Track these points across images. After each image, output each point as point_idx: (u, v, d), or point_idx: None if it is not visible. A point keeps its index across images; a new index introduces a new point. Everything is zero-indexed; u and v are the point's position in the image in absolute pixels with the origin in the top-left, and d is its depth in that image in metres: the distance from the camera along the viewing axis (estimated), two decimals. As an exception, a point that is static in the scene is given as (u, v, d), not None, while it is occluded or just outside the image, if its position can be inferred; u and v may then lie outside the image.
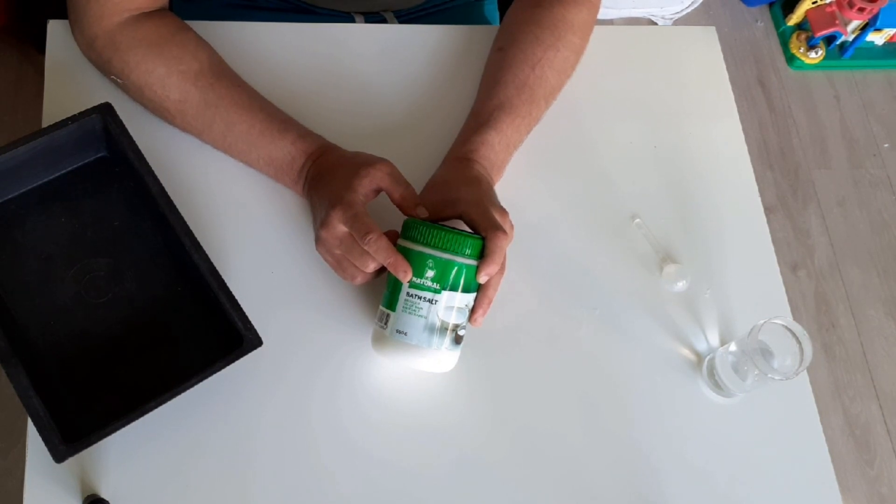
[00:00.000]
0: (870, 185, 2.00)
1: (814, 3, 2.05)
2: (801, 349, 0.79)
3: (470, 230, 0.79)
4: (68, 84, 0.90)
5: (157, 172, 0.81)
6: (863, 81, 2.13)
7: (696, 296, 0.90)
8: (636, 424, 0.84)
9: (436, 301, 0.76)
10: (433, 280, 0.76)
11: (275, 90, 0.90)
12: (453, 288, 0.76)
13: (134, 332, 0.79)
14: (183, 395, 0.73)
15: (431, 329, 0.76)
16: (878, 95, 2.12)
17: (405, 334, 0.76)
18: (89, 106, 0.82)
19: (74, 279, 0.80)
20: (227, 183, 0.88)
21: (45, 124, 0.85)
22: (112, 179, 0.85)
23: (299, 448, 0.78)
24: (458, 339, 0.78)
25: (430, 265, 0.76)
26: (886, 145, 2.05)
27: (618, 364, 0.86)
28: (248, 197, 0.88)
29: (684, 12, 2.12)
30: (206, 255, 0.78)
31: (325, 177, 0.82)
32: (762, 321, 0.79)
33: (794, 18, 2.10)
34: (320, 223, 0.78)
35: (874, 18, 2.01)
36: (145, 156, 0.82)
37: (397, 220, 0.79)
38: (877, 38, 2.10)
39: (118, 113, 0.83)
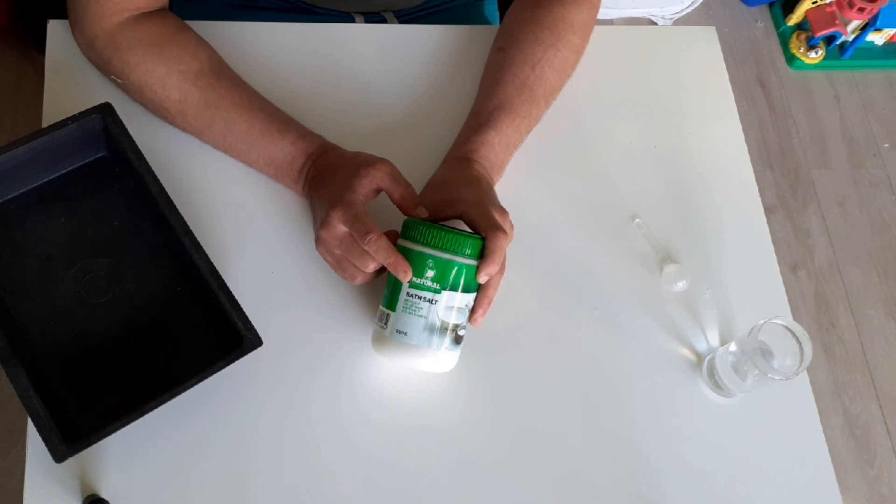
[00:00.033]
0: (870, 185, 2.00)
1: (814, 3, 2.05)
2: (801, 349, 0.79)
3: (470, 230, 0.79)
4: (68, 84, 0.90)
5: (157, 172, 0.81)
6: (863, 81, 2.13)
7: (696, 296, 0.90)
8: (636, 424, 0.84)
9: (436, 301, 0.76)
10: (433, 280, 0.76)
11: (275, 90, 0.90)
12: (453, 288, 0.76)
13: (134, 332, 0.79)
14: (183, 395, 0.73)
15: (431, 329, 0.76)
16: (878, 95, 2.12)
17: (405, 334, 0.76)
18: (89, 106, 0.82)
19: (74, 279, 0.80)
20: (227, 183, 0.88)
21: (45, 124, 0.85)
22: (112, 179, 0.85)
23: (299, 448, 0.78)
24: (458, 339, 0.78)
25: (430, 265, 0.76)
26: (886, 145, 2.05)
27: (618, 364, 0.86)
28: (248, 197, 0.88)
29: (684, 12, 2.12)
30: (206, 255, 0.78)
31: (325, 177, 0.82)
32: (762, 321, 0.79)
33: (794, 18, 2.10)
34: (320, 223, 0.78)
35: (874, 18, 2.01)
36: (145, 156, 0.82)
37: (397, 220, 0.79)
38: (877, 38, 2.10)
39: (118, 113, 0.83)
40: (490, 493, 0.79)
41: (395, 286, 0.77)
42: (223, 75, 0.87)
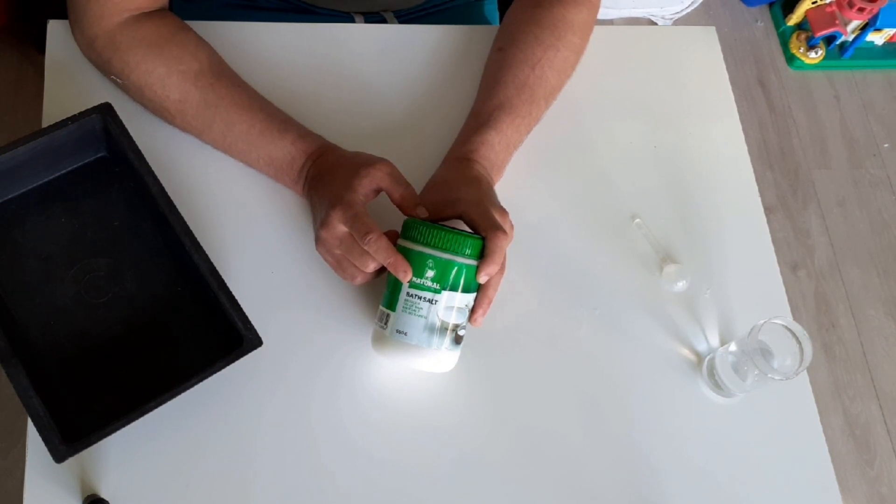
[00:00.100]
0: (870, 185, 2.00)
1: (814, 3, 2.05)
2: (801, 349, 0.79)
3: (470, 230, 0.79)
4: (68, 84, 0.90)
5: (157, 172, 0.81)
6: (863, 81, 2.13)
7: (696, 296, 0.90)
8: (636, 424, 0.84)
9: (436, 301, 0.76)
10: (433, 280, 0.76)
11: (275, 90, 0.90)
12: (453, 288, 0.76)
13: (134, 332, 0.79)
14: (183, 395, 0.73)
15: (431, 329, 0.76)
16: (878, 95, 2.12)
17: (405, 334, 0.76)
18: (89, 106, 0.82)
19: (74, 279, 0.80)
20: (227, 183, 0.88)
21: (45, 124, 0.85)
22: (112, 179, 0.85)
23: (299, 448, 0.78)
24: (458, 339, 0.78)
25: (430, 265, 0.76)
26: (886, 145, 2.05)
27: (618, 364, 0.86)
28: (248, 197, 0.88)
29: (684, 12, 2.12)
30: (206, 255, 0.78)
31: (325, 177, 0.82)
32: (762, 321, 0.79)
33: (794, 18, 2.10)
34: (320, 223, 0.78)
35: (874, 18, 2.01)
36: (145, 156, 0.82)
37: (397, 220, 0.79)
38: (877, 38, 2.10)
39: (118, 113, 0.83)
40: (490, 493, 0.79)
41: (395, 286, 0.77)
42: (223, 75, 0.87)
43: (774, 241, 0.93)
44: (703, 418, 0.85)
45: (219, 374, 0.75)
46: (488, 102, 0.90)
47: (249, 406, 0.79)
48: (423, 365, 0.78)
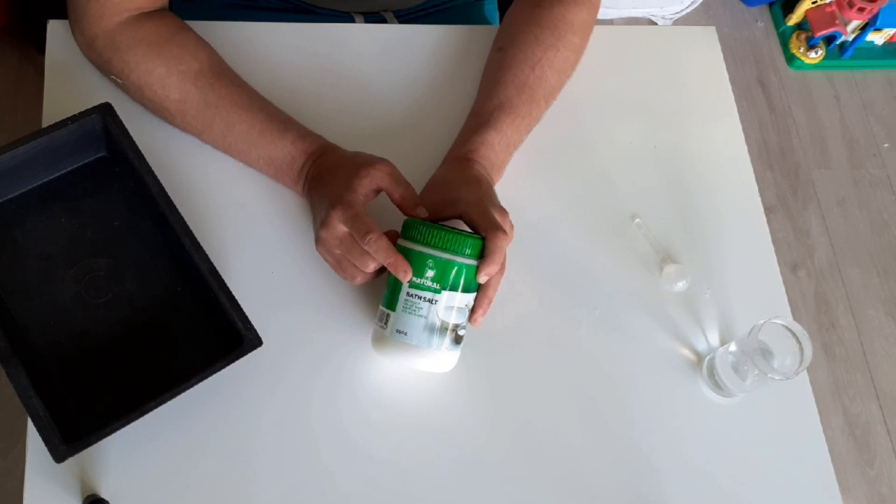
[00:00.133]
0: (870, 185, 2.00)
1: (814, 2, 2.05)
2: (801, 349, 0.79)
3: (470, 230, 0.79)
4: (68, 84, 0.90)
5: (157, 172, 0.81)
6: (863, 81, 2.13)
7: (696, 296, 0.90)
8: (636, 424, 0.84)
9: (436, 301, 0.76)
10: (433, 280, 0.76)
11: (275, 90, 0.90)
12: (453, 288, 0.76)
13: (134, 332, 0.79)
14: (183, 395, 0.73)
15: (431, 329, 0.76)
16: (878, 95, 2.12)
17: (405, 334, 0.76)
18: (89, 106, 0.82)
19: (74, 279, 0.80)
20: (227, 183, 0.88)
21: (45, 124, 0.85)
22: (112, 179, 0.85)
23: (299, 448, 0.78)
24: (458, 339, 0.78)
25: (430, 265, 0.76)
26: (886, 145, 2.05)
27: (618, 364, 0.86)
28: (248, 197, 0.88)
29: (684, 12, 2.12)
30: (206, 255, 0.79)
31: (325, 177, 0.82)
32: (762, 321, 0.79)
33: (794, 18, 2.10)
34: (320, 223, 0.78)
35: (874, 18, 2.01)
36: (145, 156, 0.82)
37: (397, 220, 0.79)
38: (877, 38, 2.10)
39: (118, 113, 0.83)
40: (490, 493, 0.79)
41: (395, 286, 0.77)
42: (223, 75, 0.87)
43: (774, 241, 0.93)
44: (703, 418, 0.85)
45: (219, 374, 0.75)
46: (488, 102, 0.90)
47: (249, 406, 0.79)
48: (423, 365, 0.78)
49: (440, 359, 0.78)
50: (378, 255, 0.75)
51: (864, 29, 2.05)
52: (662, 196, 0.94)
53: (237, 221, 0.87)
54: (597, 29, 0.97)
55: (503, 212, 0.80)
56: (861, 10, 1.98)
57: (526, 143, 0.91)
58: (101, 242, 0.82)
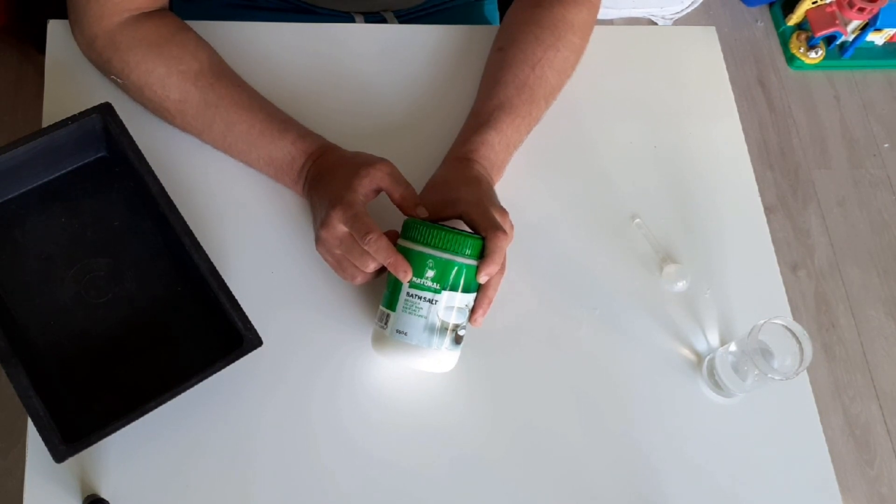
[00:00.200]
0: (870, 185, 2.00)
1: (814, 3, 2.05)
2: (801, 349, 0.79)
3: (470, 230, 0.79)
4: (68, 84, 0.90)
5: (157, 172, 0.81)
6: (863, 81, 2.13)
7: (696, 296, 0.90)
8: (636, 424, 0.83)
9: (436, 301, 0.76)
10: (433, 280, 0.76)
11: (275, 90, 0.90)
12: (453, 288, 0.76)
13: (134, 332, 0.79)
14: (183, 395, 0.73)
15: (431, 329, 0.76)
16: (878, 95, 2.12)
17: (405, 334, 0.76)
18: (89, 106, 0.82)
19: (74, 279, 0.80)
20: (227, 183, 0.88)
21: (45, 124, 0.85)
22: (112, 179, 0.85)
23: (299, 448, 0.78)
24: (458, 339, 0.78)
25: (430, 265, 0.76)
26: (886, 145, 2.05)
27: (618, 364, 0.86)
28: (248, 197, 0.88)
29: (684, 12, 2.12)
30: (206, 255, 0.79)
31: (326, 177, 0.82)
32: (762, 321, 0.79)
33: (794, 18, 2.10)
34: (320, 223, 0.78)
35: (874, 18, 2.01)
36: (145, 156, 0.82)
37: (397, 220, 0.79)
38: (877, 38, 2.10)
39: (118, 113, 0.83)
40: (490, 493, 0.79)
41: (395, 286, 0.77)
42: (223, 75, 0.87)
43: (774, 241, 0.93)
44: (703, 418, 0.85)
45: (219, 374, 0.75)
46: (488, 102, 0.90)
47: (249, 406, 0.79)
48: (423, 365, 0.78)
49: (440, 359, 0.78)
50: (378, 255, 0.75)
51: (864, 29, 2.05)
52: (662, 196, 0.94)
53: (237, 221, 0.87)
54: (597, 29, 0.97)
55: (503, 212, 0.80)
56: (861, 10, 1.98)
57: (526, 143, 0.91)
58: (101, 242, 0.82)
